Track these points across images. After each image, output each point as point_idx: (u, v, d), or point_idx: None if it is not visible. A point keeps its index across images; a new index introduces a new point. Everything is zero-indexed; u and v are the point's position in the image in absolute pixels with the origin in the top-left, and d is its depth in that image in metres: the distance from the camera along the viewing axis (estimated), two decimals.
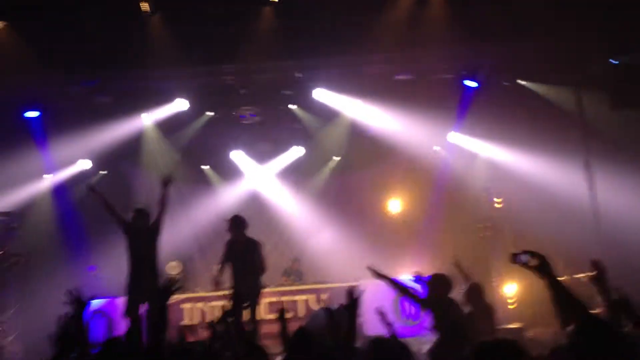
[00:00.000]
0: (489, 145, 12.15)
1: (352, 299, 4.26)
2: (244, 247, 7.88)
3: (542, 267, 2.97)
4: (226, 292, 8.09)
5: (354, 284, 9.68)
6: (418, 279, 6.34)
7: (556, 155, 10.59)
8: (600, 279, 3.95)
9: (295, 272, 11.78)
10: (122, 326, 7.56)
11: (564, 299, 2.93)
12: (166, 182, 7.48)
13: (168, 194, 7.51)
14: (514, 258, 3.10)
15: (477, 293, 6.23)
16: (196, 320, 10.34)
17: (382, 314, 4.88)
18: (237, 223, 7.95)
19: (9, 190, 11.65)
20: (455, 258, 7.00)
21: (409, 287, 6.04)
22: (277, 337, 4.18)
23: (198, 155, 13.50)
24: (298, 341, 4.09)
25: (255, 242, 8.02)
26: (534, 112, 11.02)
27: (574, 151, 10.66)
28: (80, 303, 3.95)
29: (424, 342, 7.57)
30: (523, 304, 10.97)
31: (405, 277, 9.47)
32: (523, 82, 11.24)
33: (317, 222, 13.37)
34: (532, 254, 3.02)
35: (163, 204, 7.51)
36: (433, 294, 5.88)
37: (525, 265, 3.04)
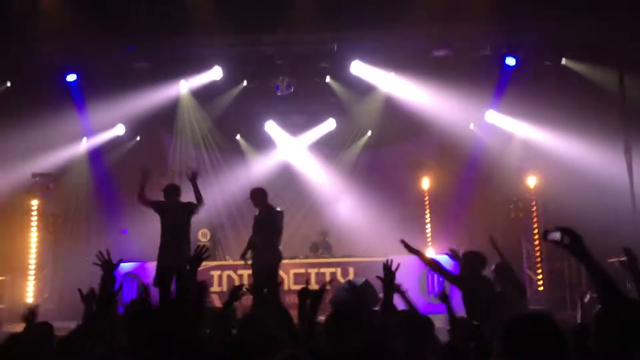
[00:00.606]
0: (526, 125, 11.91)
1: (389, 272, 4.26)
2: (264, 217, 7.90)
3: (575, 245, 2.88)
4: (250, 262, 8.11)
5: (381, 258, 9.68)
6: (452, 255, 6.31)
7: (595, 138, 10.34)
8: (632, 266, 3.89)
9: (323, 246, 11.82)
10: (152, 292, 7.72)
11: (596, 278, 2.86)
12: (192, 178, 7.54)
13: (198, 187, 7.57)
14: (546, 235, 3.01)
15: (506, 271, 6.14)
16: (225, 287, 10.48)
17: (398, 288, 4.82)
18: (256, 196, 7.96)
19: (48, 151, 11.91)
20: (491, 235, 6.89)
21: (439, 262, 6.01)
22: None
23: (232, 125, 13.56)
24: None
25: (274, 210, 7.97)
26: (574, 92, 10.76)
27: (614, 134, 10.39)
28: (110, 265, 4.04)
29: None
30: (552, 287, 10.87)
31: (438, 254, 9.46)
32: (565, 61, 10.96)
33: (338, 191, 13.34)
34: (566, 231, 2.92)
35: (198, 199, 7.57)
36: (466, 271, 5.85)
37: (557, 242, 2.95)
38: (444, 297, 4.47)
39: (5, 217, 11.28)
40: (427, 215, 12.66)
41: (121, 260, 4.20)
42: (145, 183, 7.64)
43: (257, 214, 8.03)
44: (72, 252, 11.72)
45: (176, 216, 7.57)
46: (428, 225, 12.48)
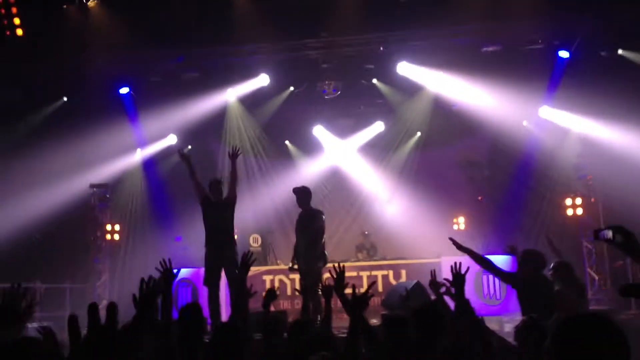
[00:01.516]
0: (583, 120, 11.49)
1: (459, 276, 4.16)
2: (305, 218, 7.80)
3: (627, 243, 2.72)
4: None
5: (433, 260, 9.52)
6: (510, 251, 6.17)
7: None
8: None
9: (369, 247, 11.68)
10: (202, 292, 7.80)
11: None
12: (233, 155, 7.58)
13: (236, 166, 7.63)
14: (597, 234, 2.87)
15: (566, 271, 5.93)
16: (277, 291, 10.51)
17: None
18: (300, 193, 7.88)
19: (104, 163, 12.27)
20: (547, 234, 6.67)
21: (492, 261, 5.87)
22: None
23: (280, 130, 13.63)
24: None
25: (316, 211, 7.81)
26: (633, 84, 10.30)
27: None
28: (170, 273, 4.14)
29: (505, 321, 7.36)
30: (616, 286, 10.43)
31: (491, 254, 9.24)
32: (622, 52, 10.52)
33: (389, 193, 13.17)
34: (617, 229, 2.78)
35: (233, 176, 7.65)
36: (524, 270, 5.71)
37: (609, 241, 2.81)
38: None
39: (65, 226, 11.63)
40: (482, 216, 12.39)
41: (179, 270, 4.32)
42: (190, 164, 7.69)
43: (299, 215, 7.98)
44: (129, 260, 12.01)
45: (218, 214, 7.61)
46: (483, 226, 12.20)
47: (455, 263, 4.24)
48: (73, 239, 11.81)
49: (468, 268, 4.21)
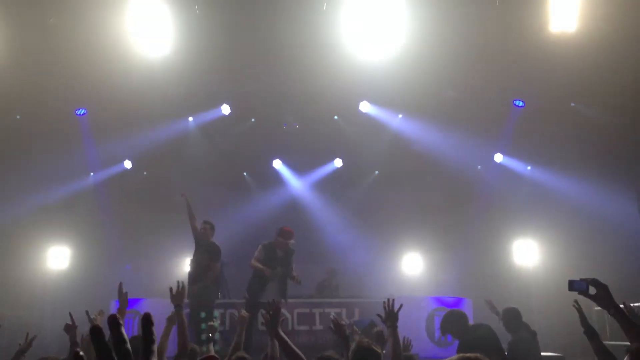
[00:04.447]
0: (535, 168, 11.84)
1: (392, 313, 4.13)
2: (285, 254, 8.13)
3: (601, 295, 2.81)
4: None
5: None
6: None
7: (607, 183, 10.22)
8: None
9: (330, 286, 11.54)
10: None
11: (625, 325, 2.77)
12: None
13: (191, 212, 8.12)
14: (571, 285, 2.94)
15: (514, 317, 6.03)
16: (227, 326, 10.25)
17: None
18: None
19: (55, 185, 11.92)
20: (487, 299, 6.90)
21: None
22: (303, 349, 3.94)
23: (239, 161, 13.51)
24: None
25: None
26: (585, 135, 10.69)
27: (628, 180, 10.28)
28: (125, 302, 4.32)
29: None
30: (561, 333, 10.59)
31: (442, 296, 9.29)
32: (574, 104, 10.93)
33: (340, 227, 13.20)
34: (591, 281, 2.86)
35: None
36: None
37: (583, 293, 2.89)
38: None
39: (12, 250, 11.15)
40: (436, 257, 12.48)
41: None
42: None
43: (280, 252, 8.25)
44: (76, 287, 11.55)
45: (201, 254, 8.00)
46: (437, 267, 12.28)
47: (388, 300, 4.18)
48: (19, 262, 11.29)
49: (401, 305, 4.15)
